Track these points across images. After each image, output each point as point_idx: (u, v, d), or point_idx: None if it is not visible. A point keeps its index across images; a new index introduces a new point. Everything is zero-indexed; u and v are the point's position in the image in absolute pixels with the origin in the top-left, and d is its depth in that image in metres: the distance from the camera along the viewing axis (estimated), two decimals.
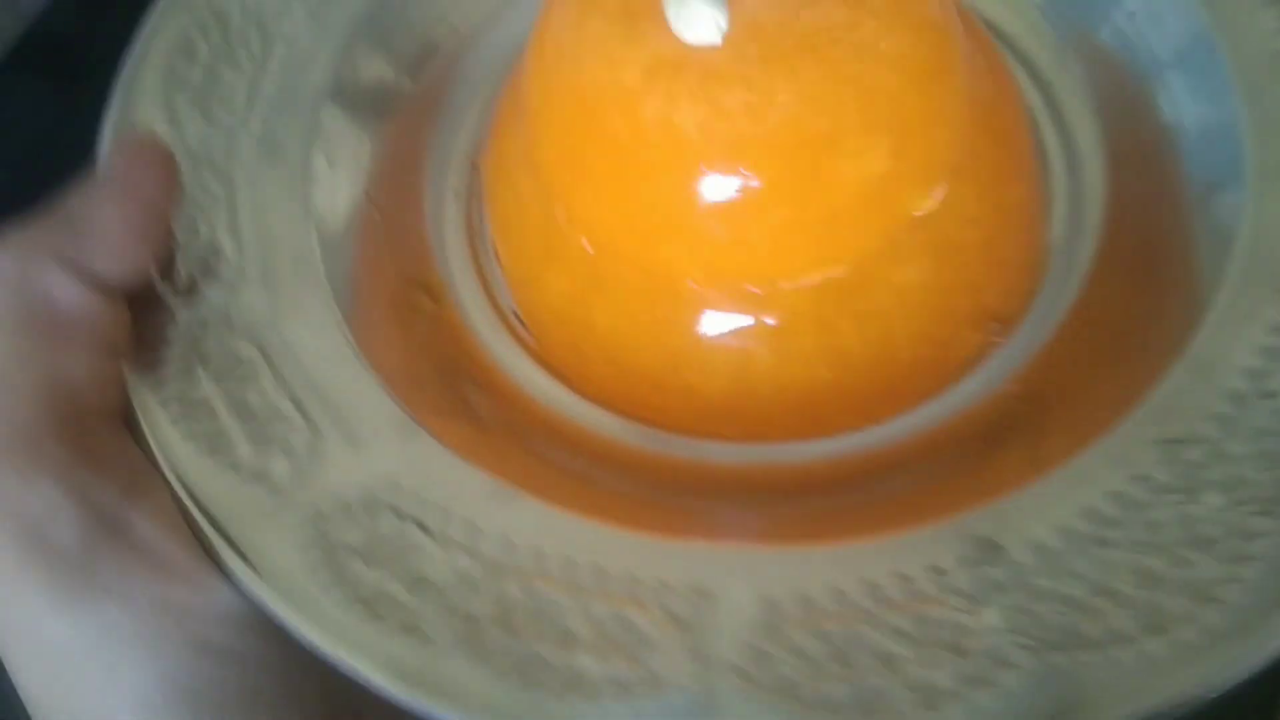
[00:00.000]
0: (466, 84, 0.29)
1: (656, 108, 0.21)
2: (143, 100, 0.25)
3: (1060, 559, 0.19)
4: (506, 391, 0.25)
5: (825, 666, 0.19)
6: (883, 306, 0.22)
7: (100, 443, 0.21)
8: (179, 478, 0.21)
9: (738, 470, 0.24)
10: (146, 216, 0.22)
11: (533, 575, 0.20)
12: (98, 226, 0.22)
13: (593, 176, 0.23)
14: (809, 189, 0.21)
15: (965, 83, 0.22)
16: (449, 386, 0.25)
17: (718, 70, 0.21)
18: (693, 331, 0.23)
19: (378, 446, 0.22)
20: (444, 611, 0.20)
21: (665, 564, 0.20)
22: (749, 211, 0.21)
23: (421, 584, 0.20)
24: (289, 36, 0.27)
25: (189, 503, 0.21)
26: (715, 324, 0.23)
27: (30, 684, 0.20)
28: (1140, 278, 0.24)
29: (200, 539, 0.21)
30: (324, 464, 0.21)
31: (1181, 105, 0.25)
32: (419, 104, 0.28)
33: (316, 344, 0.23)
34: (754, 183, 0.21)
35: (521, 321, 0.26)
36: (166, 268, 0.23)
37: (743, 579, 0.20)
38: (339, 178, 0.26)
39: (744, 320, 0.23)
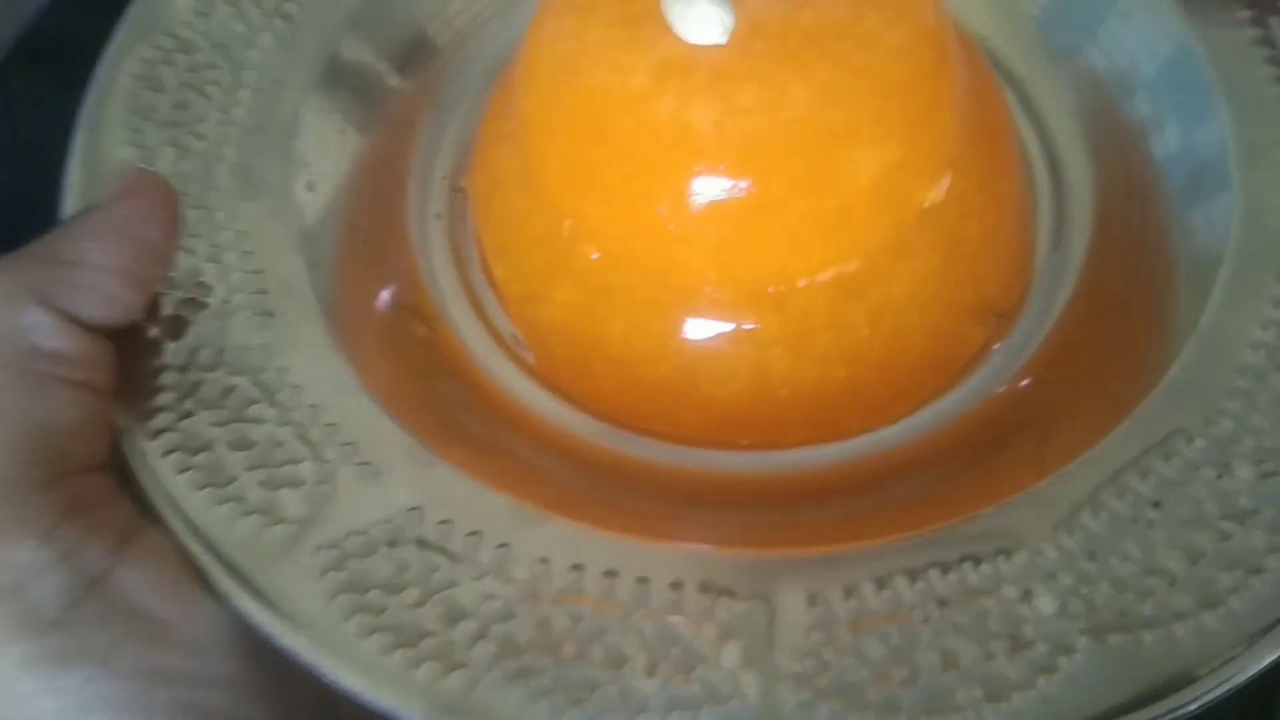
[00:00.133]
0: (442, 109, 0.29)
1: (669, 108, 0.21)
2: (110, 131, 0.24)
3: (1103, 541, 0.19)
4: (510, 414, 0.25)
5: (887, 668, 0.18)
6: (895, 301, 0.22)
7: (87, 495, 0.20)
8: (187, 525, 0.20)
9: (754, 479, 0.24)
10: (144, 259, 0.21)
11: (572, 596, 0.19)
12: (88, 267, 0.20)
13: (602, 184, 0.22)
14: (826, 182, 0.21)
15: (959, 75, 0.23)
16: (448, 412, 0.24)
17: (728, 69, 0.20)
18: (709, 337, 0.23)
19: (393, 476, 0.21)
20: (482, 640, 0.19)
21: (706, 571, 0.19)
22: (766, 208, 0.21)
23: (455, 613, 0.19)
24: (259, 65, 0.26)
25: (200, 551, 0.19)
26: (732, 328, 0.22)
27: None
28: (1130, 269, 0.25)
29: (212, 588, 0.19)
30: (338, 497, 0.20)
31: (1159, 101, 0.25)
32: (395, 130, 0.28)
33: (314, 373, 0.22)
34: (771, 180, 0.21)
35: (521, 343, 0.25)
36: (150, 305, 0.22)
37: (788, 583, 0.19)
38: (320, 204, 0.25)
39: (761, 322, 0.22)
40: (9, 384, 0.19)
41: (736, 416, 0.24)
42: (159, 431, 0.21)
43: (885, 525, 0.20)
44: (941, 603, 0.19)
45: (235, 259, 0.23)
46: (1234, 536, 0.19)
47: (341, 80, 0.27)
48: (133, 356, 0.21)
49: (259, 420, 0.21)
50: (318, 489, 0.20)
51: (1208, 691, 0.17)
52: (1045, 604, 0.19)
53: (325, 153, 0.26)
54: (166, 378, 0.21)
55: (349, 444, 0.21)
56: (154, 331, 0.22)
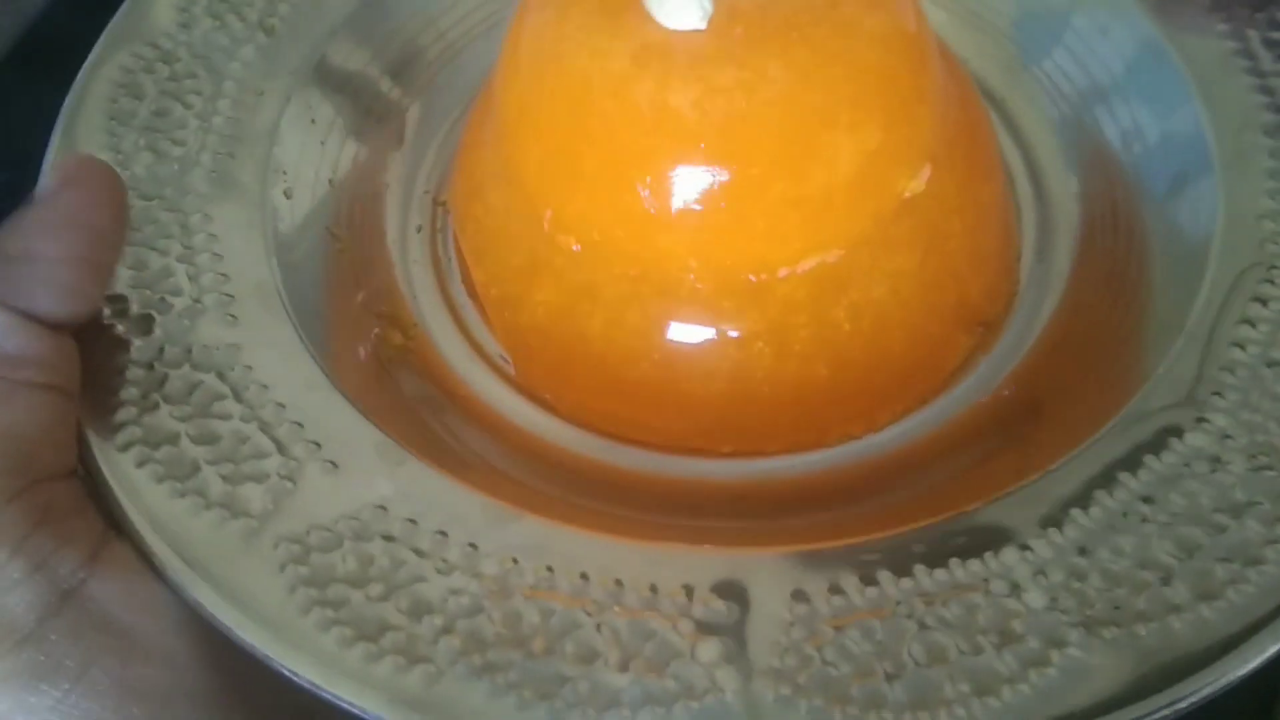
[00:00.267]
0: (424, 125, 0.29)
1: (648, 90, 0.20)
2: (86, 135, 0.24)
3: (1094, 536, 0.18)
4: (487, 421, 0.24)
5: (871, 664, 0.17)
6: (877, 297, 0.22)
7: (58, 503, 0.19)
8: (149, 522, 0.19)
9: (736, 487, 0.23)
10: (94, 246, 0.21)
11: (543, 592, 0.18)
12: (40, 261, 0.20)
13: (582, 173, 0.22)
14: (805, 164, 0.21)
15: (937, 72, 0.23)
16: (422, 417, 0.23)
17: (707, 52, 0.20)
18: (690, 332, 0.22)
19: (360, 472, 0.20)
20: (447, 634, 0.18)
21: (684, 572, 0.19)
22: (746, 190, 0.21)
23: (420, 608, 0.18)
24: (239, 75, 0.26)
25: (157, 543, 0.19)
26: (713, 320, 0.22)
27: None
28: (1116, 278, 0.24)
29: (173, 586, 0.18)
30: (302, 492, 0.20)
31: (1136, 109, 0.25)
32: (375, 143, 0.28)
33: (283, 372, 0.21)
34: (751, 161, 0.21)
35: (501, 354, 0.25)
36: (118, 304, 0.22)
37: (769, 580, 0.18)
38: (298, 212, 0.25)
39: (743, 317, 0.22)
40: None
41: (718, 420, 0.23)
42: (121, 425, 0.20)
43: (869, 525, 0.20)
44: (928, 598, 0.18)
45: (207, 260, 0.23)
46: (1229, 529, 0.18)
47: (328, 88, 0.27)
48: (98, 353, 0.21)
49: (224, 416, 0.21)
50: (281, 484, 0.20)
51: (1209, 684, 0.17)
52: (1035, 598, 0.18)
53: (305, 161, 0.26)
54: (132, 374, 0.21)
55: (316, 441, 0.20)
56: (120, 329, 0.21)
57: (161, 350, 0.21)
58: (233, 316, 0.22)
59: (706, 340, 0.22)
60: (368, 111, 0.28)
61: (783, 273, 0.22)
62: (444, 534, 0.19)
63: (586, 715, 0.17)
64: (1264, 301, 0.21)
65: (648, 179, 0.21)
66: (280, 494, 0.20)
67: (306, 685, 0.17)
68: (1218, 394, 0.20)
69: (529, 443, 0.24)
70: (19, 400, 0.19)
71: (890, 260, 0.22)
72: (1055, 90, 0.27)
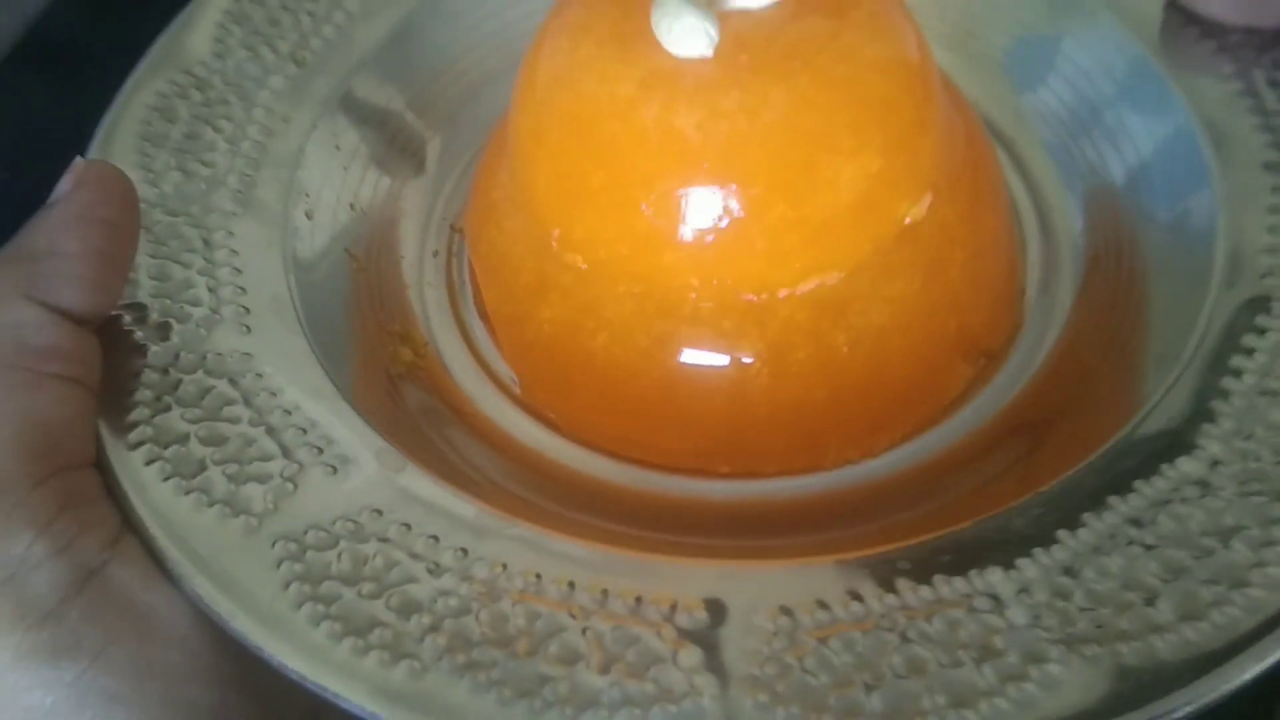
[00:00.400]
0: (444, 157, 0.30)
1: (654, 113, 0.21)
2: (120, 154, 0.25)
3: (1081, 558, 0.19)
4: (491, 436, 0.25)
5: (850, 675, 0.17)
6: (876, 322, 0.22)
7: (80, 490, 0.20)
8: (155, 517, 0.20)
9: (732, 507, 0.23)
10: (111, 239, 0.22)
11: (530, 597, 0.19)
12: (63, 256, 0.21)
13: (588, 192, 0.23)
14: (805, 186, 0.21)
15: (940, 106, 0.23)
16: (426, 430, 0.24)
17: (712, 78, 0.21)
18: (691, 351, 0.23)
19: (361, 476, 0.21)
20: (434, 633, 0.18)
21: (671, 583, 0.19)
22: (748, 212, 0.21)
23: (409, 607, 0.19)
24: (269, 103, 0.27)
25: (165, 541, 0.19)
26: (715, 342, 0.22)
27: None
28: (1117, 313, 0.24)
29: (173, 576, 0.19)
30: (303, 492, 0.20)
31: (1141, 147, 0.26)
32: (395, 171, 0.29)
33: (293, 380, 0.22)
34: (752, 182, 0.21)
35: (508, 373, 0.26)
36: (138, 311, 0.23)
37: (756, 592, 0.19)
38: (318, 233, 0.26)
39: (743, 337, 0.22)
40: (5, 382, 0.19)
41: (716, 440, 0.24)
42: (134, 424, 0.21)
43: (860, 544, 0.20)
44: (911, 613, 0.18)
45: (227, 274, 0.24)
46: (1216, 553, 0.18)
47: (353, 119, 0.28)
48: (117, 356, 0.22)
49: (233, 420, 0.21)
50: (283, 485, 0.20)
51: (1187, 702, 0.16)
52: (1018, 615, 0.18)
53: (327, 185, 0.27)
54: (147, 377, 0.22)
55: (318, 446, 0.21)
56: (139, 335, 0.22)
57: (177, 356, 0.22)
58: (247, 327, 0.23)
59: (707, 359, 0.23)
60: (390, 143, 0.29)
61: (783, 294, 0.22)
62: (436, 538, 0.20)
63: (565, 714, 0.17)
64: (1261, 332, 0.21)
65: (652, 199, 0.22)
66: (281, 494, 0.20)
67: (295, 676, 0.18)
68: (1211, 421, 0.20)
69: (530, 458, 0.24)
70: (46, 391, 0.20)
71: (890, 286, 0.23)
72: (1060, 127, 0.28)
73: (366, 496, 0.20)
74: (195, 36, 0.28)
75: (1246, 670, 0.17)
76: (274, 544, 0.19)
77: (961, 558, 0.19)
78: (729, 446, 0.24)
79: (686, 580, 0.19)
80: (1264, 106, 0.25)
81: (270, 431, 0.21)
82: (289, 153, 0.26)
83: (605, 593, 0.19)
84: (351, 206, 0.27)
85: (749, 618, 0.18)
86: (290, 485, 0.20)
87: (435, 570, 0.19)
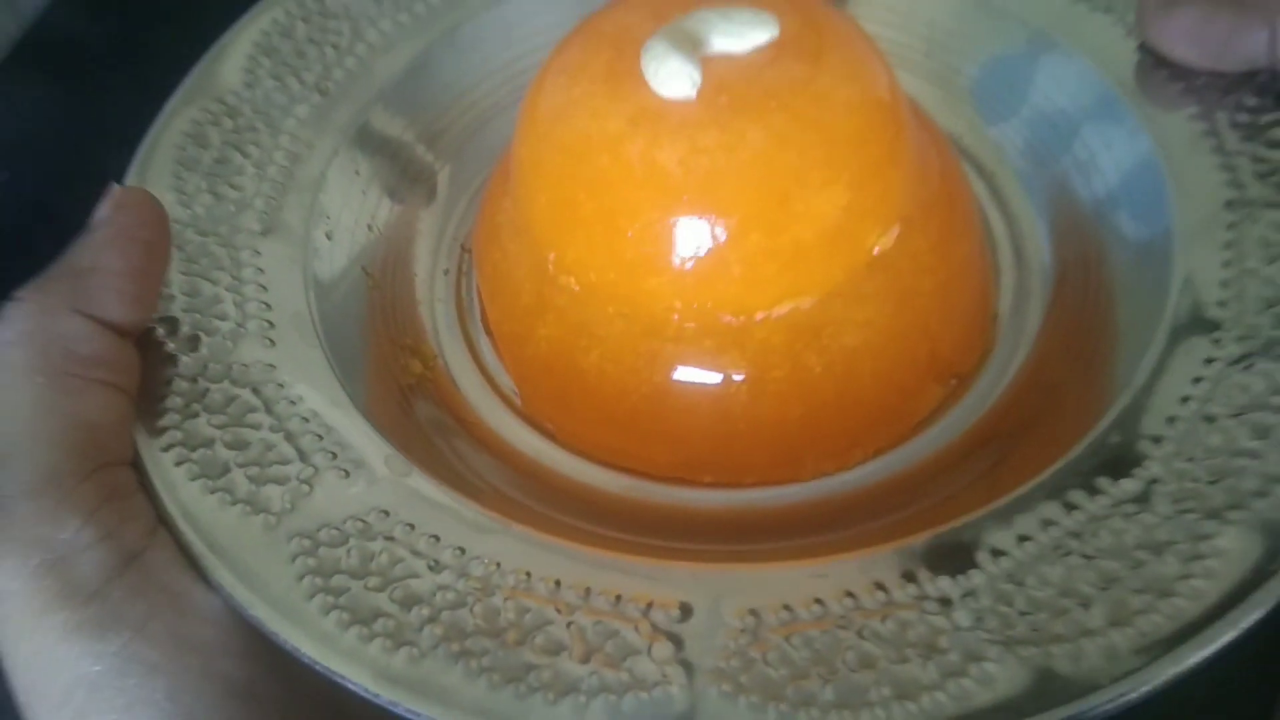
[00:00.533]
0: (456, 180, 0.32)
1: (640, 149, 0.23)
2: (155, 178, 0.27)
3: (1024, 567, 0.20)
4: (493, 445, 0.26)
5: (807, 669, 0.19)
6: (847, 344, 0.24)
7: (120, 485, 0.22)
8: (183, 513, 0.22)
9: (714, 514, 0.25)
10: (148, 257, 0.24)
11: (520, 593, 0.21)
12: (107, 273, 0.23)
13: (580, 219, 0.24)
14: (779, 219, 0.23)
15: (912, 141, 0.25)
16: (432, 438, 0.26)
17: (694, 117, 0.23)
18: (676, 369, 0.24)
19: (370, 479, 0.22)
20: (432, 624, 0.20)
21: (651, 584, 0.21)
22: (726, 242, 0.23)
23: (410, 600, 0.20)
24: (294, 130, 0.29)
25: (192, 536, 0.21)
26: (697, 361, 0.24)
27: (40, 711, 0.20)
28: (1081, 338, 0.26)
29: (198, 566, 0.21)
30: (317, 495, 0.22)
31: (1110, 181, 0.27)
32: (411, 195, 0.31)
33: (311, 390, 0.24)
34: (729, 213, 0.23)
35: (511, 389, 0.28)
36: (170, 324, 0.25)
37: (727, 594, 0.20)
38: (336, 252, 0.28)
39: (723, 357, 0.24)
40: (53, 386, 0.21)
41: (699, 452, 0.25)
42: (165, 429, 0.23)
43: (830, 550, 0.22)
44: (866, 614, 0.20)
45: (252, 291, 0.26)
46: (1147, 564, 0.20)
47: (370, 148, 0.30)
48: (151, 366, 0.24)
49: (255, 426, 0.23)
50: (300, 487, 0.22)
51: (1109, 700, 0.18)
52: (963, 618, 0.20)
53: (347, 207, 0.29)
54: (178, 385, 0.24)
55: (333, 452, 0.23)
56: (171, 346, 0.24)
57: (205, 366, 0.24)
58: (270, 340, 0.25)
59: (690, 376, 0.25)
60: (403, 173, 0.31)
61: (759, 317, 0.24)
62: (437, 538, 0.22)
63: (547, 699, 0.19)
64: (1209, 361, 0.23)
65: (637, 228, 0.24)
66: (298, 495, 0.22)
67: (306, 660, 0.20)
68: (1156, 443, 0.22)
69: (529, 466, 0.26)
70: (92, 395, 0.22)
71: (862, 311, 0.24)
72: (1032, 156, 0.29)
73: (375, 498, 0.22)
74: (227, 67, 0.30)
75: (1164, 673, 0.18)
76: (290, 540, 0.21)
77: (916, 565, 0.21)
78: (712, 458, 0.25)
79: (663, 581, 0.21)
80: (1225, 147, 0.26)
81: (289, 437, 0.23)
82: (312, 177, 0.28)
83: (588, 590, 0.21)
84: (369, 228, 0.29)
85: (718, 616, 0.20)
86: (306, 487, 0.22)
87: (435, 567, 0.21)
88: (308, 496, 0.22)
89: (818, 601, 0.20)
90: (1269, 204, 0.25)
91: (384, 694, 0.19)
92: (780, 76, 0.23)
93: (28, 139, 0.26)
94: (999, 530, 0.21)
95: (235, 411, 0.23)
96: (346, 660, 0.20)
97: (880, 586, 0.20)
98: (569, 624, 0.20)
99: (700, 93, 0.23)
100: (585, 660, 0.20)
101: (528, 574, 0.21)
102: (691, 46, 0.24)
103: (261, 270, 0.26)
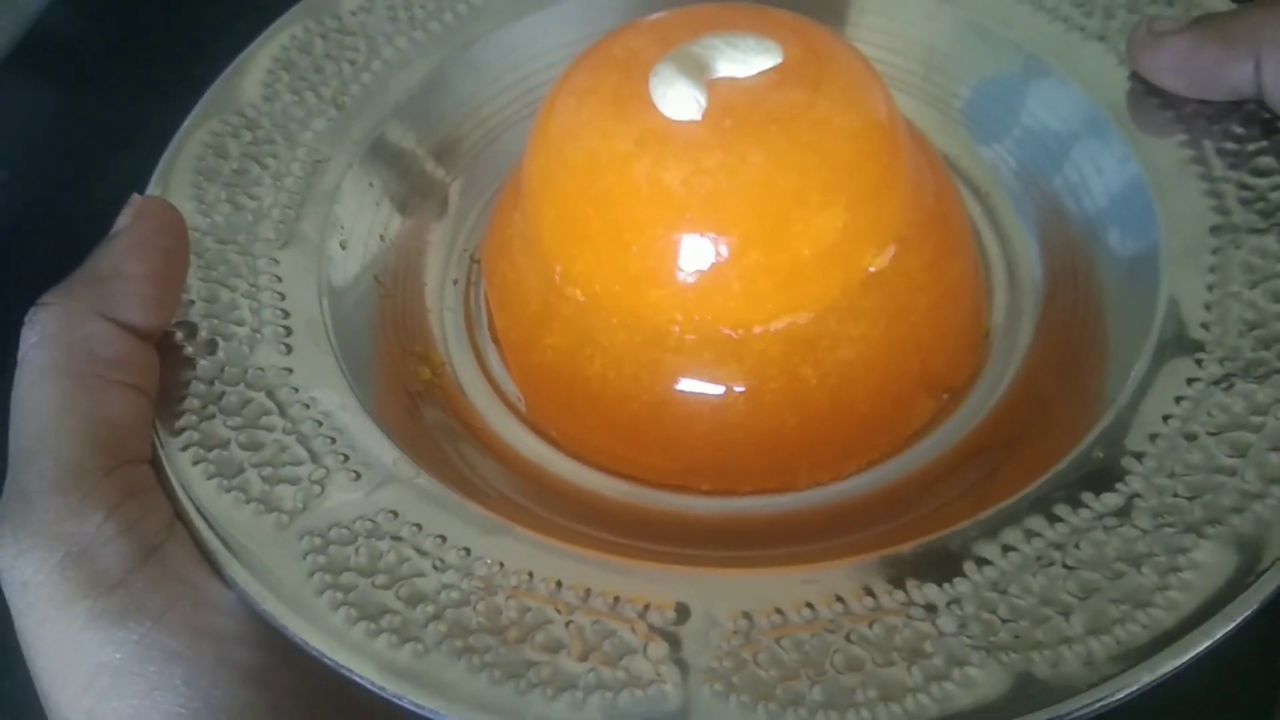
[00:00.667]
0: (467, 193, 0.33)
1: (646, 168, 0.24)
2: (176, 187, 0.28)
3: (1008, 576, 0.21)
4: (499, 450, 0.27)
5: (797, 670, 0.20)
6: (842, 358, 0.25)
7: (140, 482, 0.23)
8: (199, 511, 0.23)
9: (711, 521, 0.26)
10: (167, 263, 0.25)
11: (522, 593, 0.21)
12: (126, 279, 0.24)
13: (588, 234, 0.25)
14: (777, 238, 0.24)
15: (908, 165, 0.26)
16: (439, 442, 0.27)
17: (699, 139, 0.24)
18: (676, 378, 0.25)
19: (379, 481, 0.23)
20: (436, 620, 0.21)
21: (648, 586, 0.22)
22: (726, 258, 0.24)
23: (416, 598, 0.21)
24: (311, 143, 0.30)
25: (207, 533, 0.22)
26: (696, 372, 0.25)
27: (62, 698, 0.20)
28: (1070, 355, 0.27)
29: (213, 562, 0.22)
30: (328, 495, 0.23)
31: (1096, 194, 0.28)
32: (424, 206, 0.32)
33: (324, 394, 0.25)
34: (730, 232, 0.24)
35: (516, 392, 0.28)
36: (189, 329, 0.26)
37: (721, 597, 0.21)
38: (350, 261, 0.29)
39: (722, 368, 0.25)
40: (77, 386, 0.22)
41: (698, 460, 0.26)
42: (183, 429, 0.24)
43: (822, 557, 0.23)
44: (855, 619, 0.21)
45: (269, 298, 0.27)
46: (1126, 575, 0.21)
47: (384, 161, 0.31)
48: (170, 369, 0.25)
49: (269, 428, 0.24)
50: (311, 487, 0.23)
51: (1085, 705, 0.19)
52: (947, 624, 0.20)
53: (360, 218, 0.30)
54: (196, 388, 0.25)
55: (344, 454, 0.24)
56: (190, 350, 0.25)
57: (222, 370, 0.25)
58: (286, 346, 0.26)
59: (690, 386, 0.25)
60: (414, 187, 0.31)
61: (757, 330, 0.25)
62: (443, 538, 0.22)
63: (546, 694, 0.20)
64: (1190, 381, 0.24)
65: (641, 243, 0.25)
66: (310, 495, 0.23)
67: (315, 654, 0.21)
68: (1139, 459, 0.22)
69: (533, 471, 0.27)
70: (114, 396, 0.23)
71: (856, 327, 0.25)
72: (1025, 177, 0.30)
73: (383, 499, 0.23)
74: (247, 81, 0.31)
75: (1139, 680, 0.19)
76: (301, 538, 0.22)
77: (904, 573, 0.21)
78: (710, 465, 0.26)
79: (661, 584, 0.22)
80: (1211, 173, 0.27)
81: (302, 440, 0.24)
82: (327, 189, 0.29)
83: (588, 591, 0.21)
84: (382, 238, 0.30)
85: (713, 618, 0.21)
86: (318, 488, 0.23)
87: (440, 566, 0.22)
88: (319, 497, 0.23)
89: (808, 606, 0.21)
90: (1253, 230, 0.25)
91: (389, 687, 0.20)
92: (782, 101, 0.24)
93: (28, 139, 0.26)
94: (985, 541, 0.22)
95: (250, 414, 0.24)
96: (353, 654, 0.20)
97: (869, 592, 0.21)
98: (568, 623, 0.21)
99: (705, 115, 0.24)
100: (583, 658, 0.20)
101: (530, 574, 0.22)
102: (698, 71, 0.25)
103: (278, 278, 0.27)
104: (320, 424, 0.24)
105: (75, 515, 0.21)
